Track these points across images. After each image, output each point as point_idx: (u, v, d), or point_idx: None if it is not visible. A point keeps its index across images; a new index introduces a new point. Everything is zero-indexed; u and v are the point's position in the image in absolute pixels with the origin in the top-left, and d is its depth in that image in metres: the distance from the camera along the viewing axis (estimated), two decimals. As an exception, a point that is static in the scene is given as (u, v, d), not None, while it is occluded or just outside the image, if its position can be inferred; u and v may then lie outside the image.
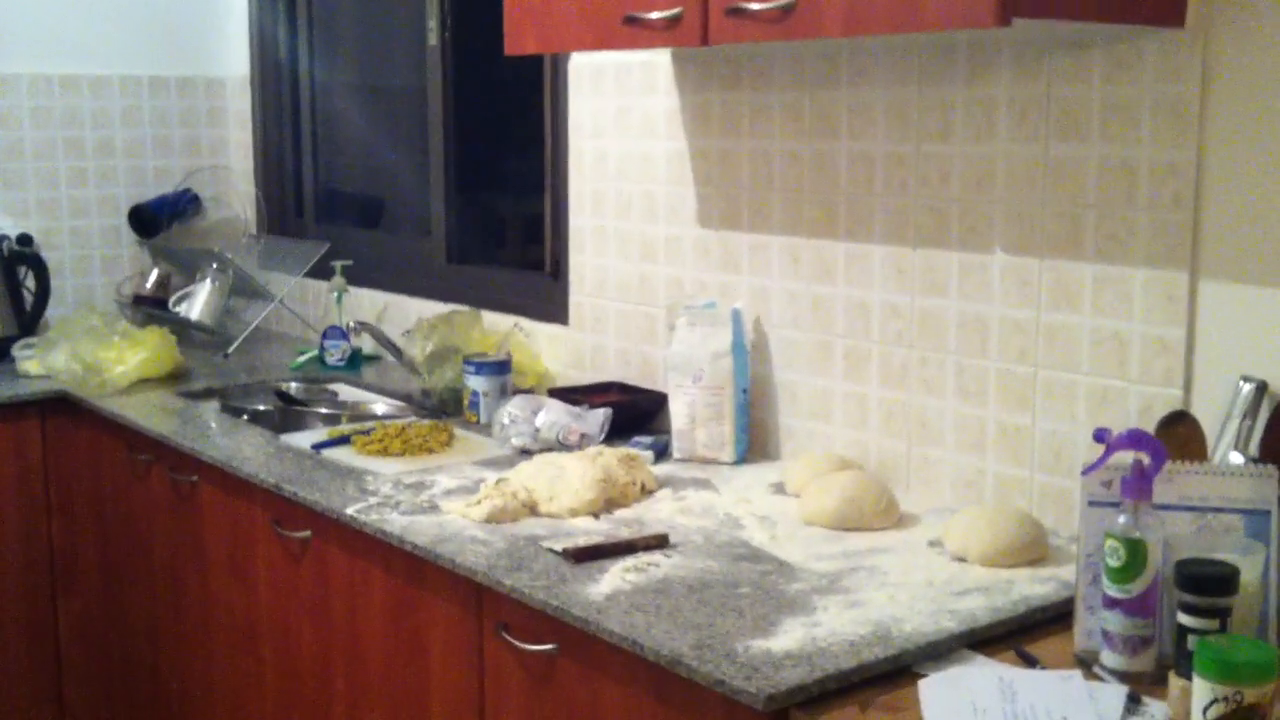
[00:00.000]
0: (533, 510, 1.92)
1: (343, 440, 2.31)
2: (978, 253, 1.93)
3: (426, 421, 2.41)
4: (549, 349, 2.71)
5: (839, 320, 2.14)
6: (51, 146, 3.45)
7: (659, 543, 1.77)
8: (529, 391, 2.52)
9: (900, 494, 1.97)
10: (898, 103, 2.01)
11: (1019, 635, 1.54)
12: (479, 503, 1.90)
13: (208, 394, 2.84)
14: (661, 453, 2.25)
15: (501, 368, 2.50)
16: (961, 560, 1.72)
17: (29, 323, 3.20)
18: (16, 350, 3.02)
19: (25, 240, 3.27)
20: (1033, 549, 1.71)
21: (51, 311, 3.27)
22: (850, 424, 2.13)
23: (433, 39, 3.05)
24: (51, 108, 3.44)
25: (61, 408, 2.86)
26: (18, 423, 2.86)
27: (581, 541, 1.77)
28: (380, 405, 2.76)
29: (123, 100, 3.54)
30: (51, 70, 3.43)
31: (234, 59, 3.66)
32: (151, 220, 3.51)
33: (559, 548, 1.75)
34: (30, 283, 3.25)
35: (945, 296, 1.98)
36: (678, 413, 2.24)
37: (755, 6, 1.73)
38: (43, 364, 2.94)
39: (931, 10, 1.53)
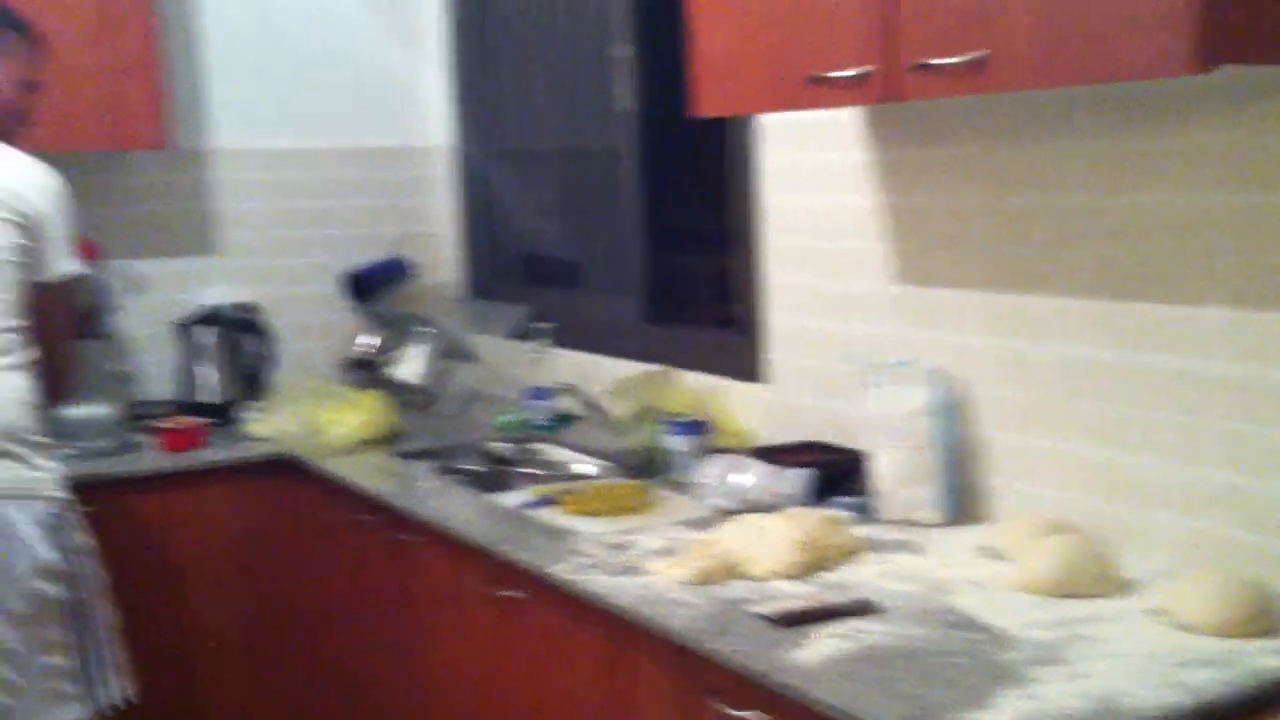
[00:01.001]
0: (736, 573, 1.92)
1: (549, 500, 2.36)
2: (1192, 306, 1.85)
3: (628, 481, 2.45)
4: (746, 407, 2.71)
5: (1044, 377, 2.08)
6: (274, 217, 3.66)
7: (866, 608, 1.76)
8: (727, 451, 2.53)
9: (1117, 558, 1.90)
10: (1098, 153, 1.96)
11: (1253, 712, 1.46)
12: (683, 564, 1.92)
13: (421, 454, 2.95)
14: (863, 514, 2.23)
15: (700, 427, 2.53)
16: (1187, 630, 1.64)
17: (254, 387, 3.39)
18: (243, 414, 3.20)
19: (251, 308, 3.47)
20: (1264, 619, 1.62)
21: (274, 377, 3.44)
22: (1061, 485, 2.07)
23: (623, 104, 3.12)
24: (273, 180, 3.65)
25: (285, 468, 3.00)
26: (244, 483, 3.03)
27: (787, 605, 1.77)
28: (583, 465, 2.82)
29: (338, 171, 3.73)
30: (274, 145, 3.65)
31: (437, 129, 3.82)
32: (365, 286, 3.68)
33: (765, 611, 1.75)
34: (255, 348, 3.43)
35: (1158, 351, 1.90)
36: (879, 473, 2.22)
37: (945, 61, 1.71)
38: (267, 426, 3.10)
39: (1127, 60, 1.50)
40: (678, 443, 2.51)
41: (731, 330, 2.83)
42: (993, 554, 1.99)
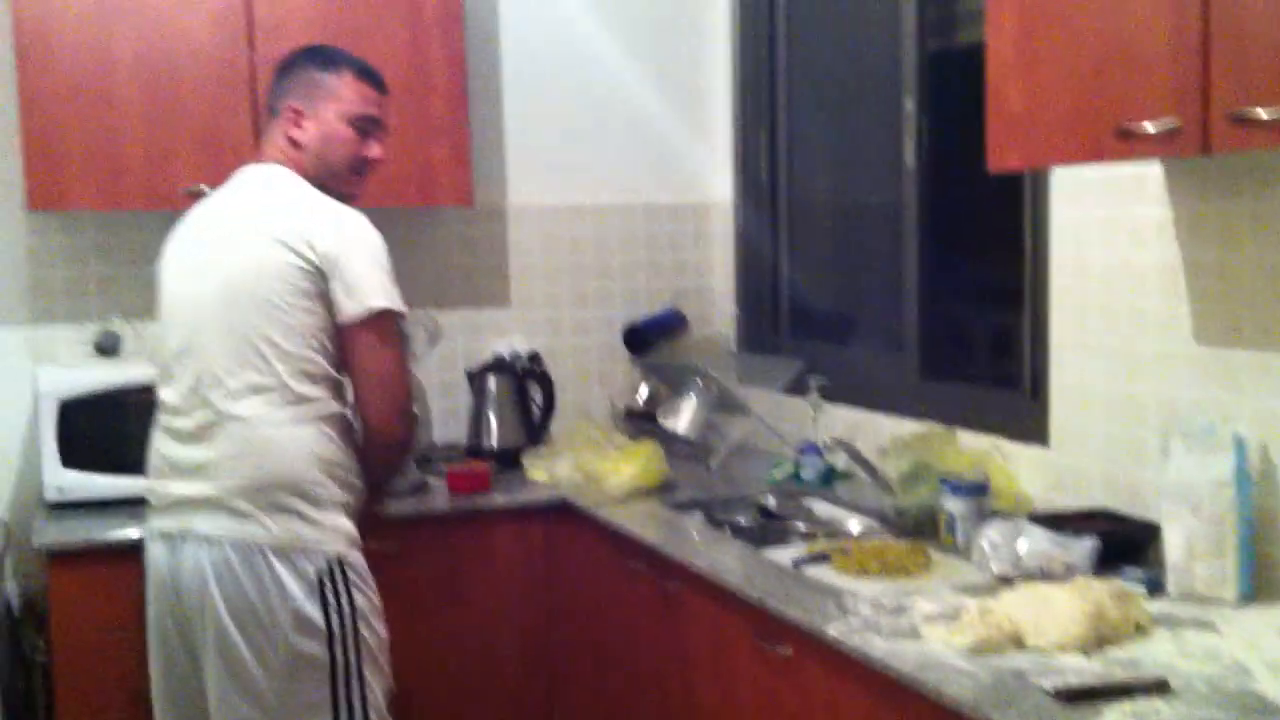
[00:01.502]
0: (1017, 642, 1.85)
1: (821, 558, 2.34)
2: None
3: (903, 542, 2.40)
4: (1026, 470, 2.62)
5: (1367, 448, 1.92)
6: (557, 271, 3.81)
7: (1160, 687, 1.65)
8: (1006, 515, 2.45)
9: None
10: None
11: None
12: (963, 630, 1.86)
13: (692, 505, 2.98)
14: (1155, 588, 2.10)
15: (979, 489, 2.45)
16: None
17: (536, 433, 3.51)
18: (526, 459, 3.33)
19: (535, 358, 3.61)
20: None
21: (555, 424, 3.57)
22: (1384, 566, 1.90)
23: (910, 159, 3.09)
24: (559, 235, 3.81)
25: (563, 514, 3.09)
26: (525, 526, 3.13)
27: (1073, 680, 1.69)
28: (854, 522, 2.78)
29: (620, 227, 3.85)
30: (564, 201, 3.81)
31: (719, 185, 3.90)
32: (642, 338, 3.77)
33: (1051, 685, 1.67)
34: (538, 396, 3.57)
35: None
36: (1173, 545, 2.09)
37: (1263, 113, 1.62)
38: (548, 473, 3.21)
39: None
40: (955, 504, 2.45)
41: (1013, 389, 2.75)
42: (1302, 638, 1.84)
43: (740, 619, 2.31)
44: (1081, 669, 1.76)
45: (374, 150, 2.45)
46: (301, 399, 2.25)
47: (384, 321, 2.29)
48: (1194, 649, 1.82)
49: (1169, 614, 1.99)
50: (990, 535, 2.24)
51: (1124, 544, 2.24)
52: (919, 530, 2.56)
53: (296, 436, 2.25)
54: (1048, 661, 1.79)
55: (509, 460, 3.36)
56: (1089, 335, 2.47)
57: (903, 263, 3.14)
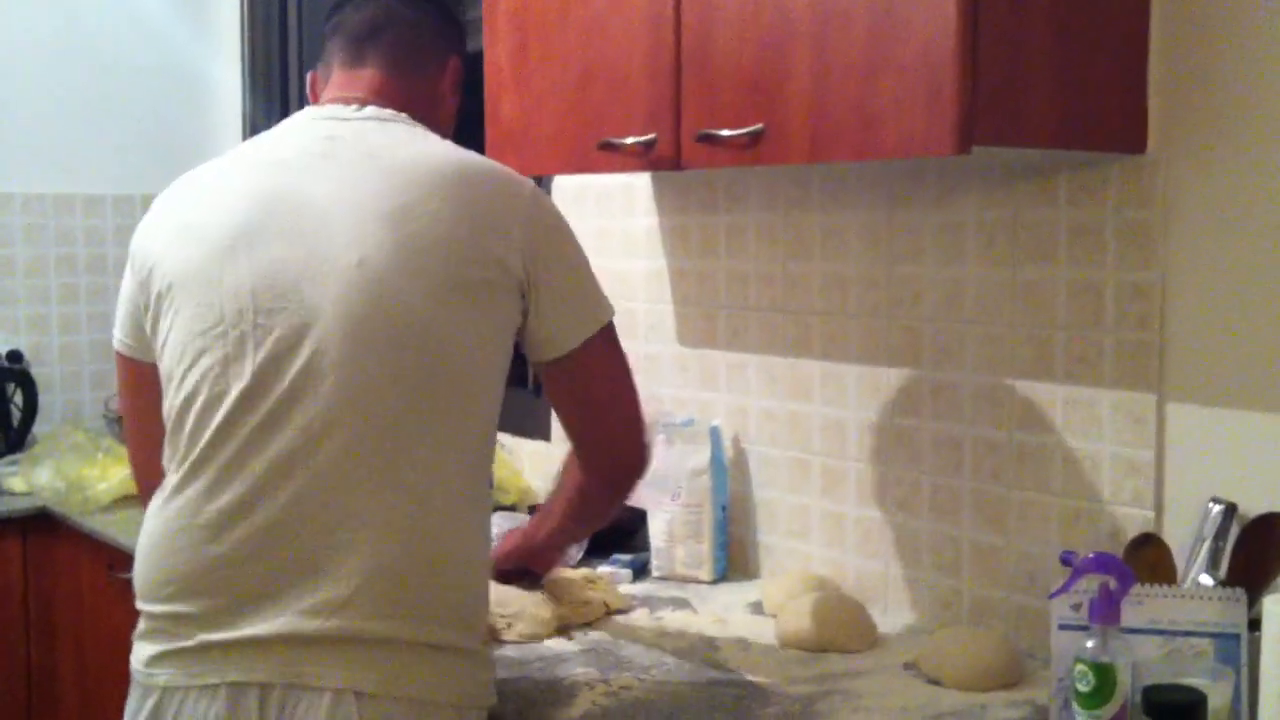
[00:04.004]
0: (496, 638, 1.85)
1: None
2: (950, 372, 1.95)
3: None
4: (531, 465, 2.71)
5: (815, 439, 2.15)
6: (44, 264, 3.50)
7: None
8: (511, 509, 2.52)
9: (877, 614, 1.96)
10: (869, 225, 2.05)
11: (993, 762, 1.52)
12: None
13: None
14: (640, 571, 2.24)
15: (482, 485, 2.50)
16: (936, 683, 1.70)
17: (15, 439, 3.21)
18: (2, 467, 3.02)
19: (15, 357, 3.29)
20: (1008, 672, 1.70)
21: (39, 428, 3.27)
22: (828, 542, 2.13)
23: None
24: (45, 225, 3.50)
25: (43, 525, 2.85)
26: (1, 539, 2.86)
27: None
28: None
29: (115, 219, 3.60)
30: (46, 189, 3.50)
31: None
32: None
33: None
34: (19, 399, 3.26)
35: (919, 416, 1.99)
36: (656, 530, 2.24)
37: (725, 133, 1.77)
38: (26, 481, 2.94)
39: (892, 138, 1.57)
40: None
41: (521, 389, 2.83)
42: (761, 610, 2.03)
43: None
44: (565, 652, 1.84)
45: None
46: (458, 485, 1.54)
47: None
48: (669, 626, 1.96)
49: (651, 594, 2.12)
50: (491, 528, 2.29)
51: (615, 531, 2.37)
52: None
53: (467, 542, 1.57)
54: (535, 649, 1.85)
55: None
56: (586, 336, 2.59)
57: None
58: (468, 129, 2.42)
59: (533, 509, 2.46)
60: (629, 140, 1.91)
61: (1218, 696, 1.35)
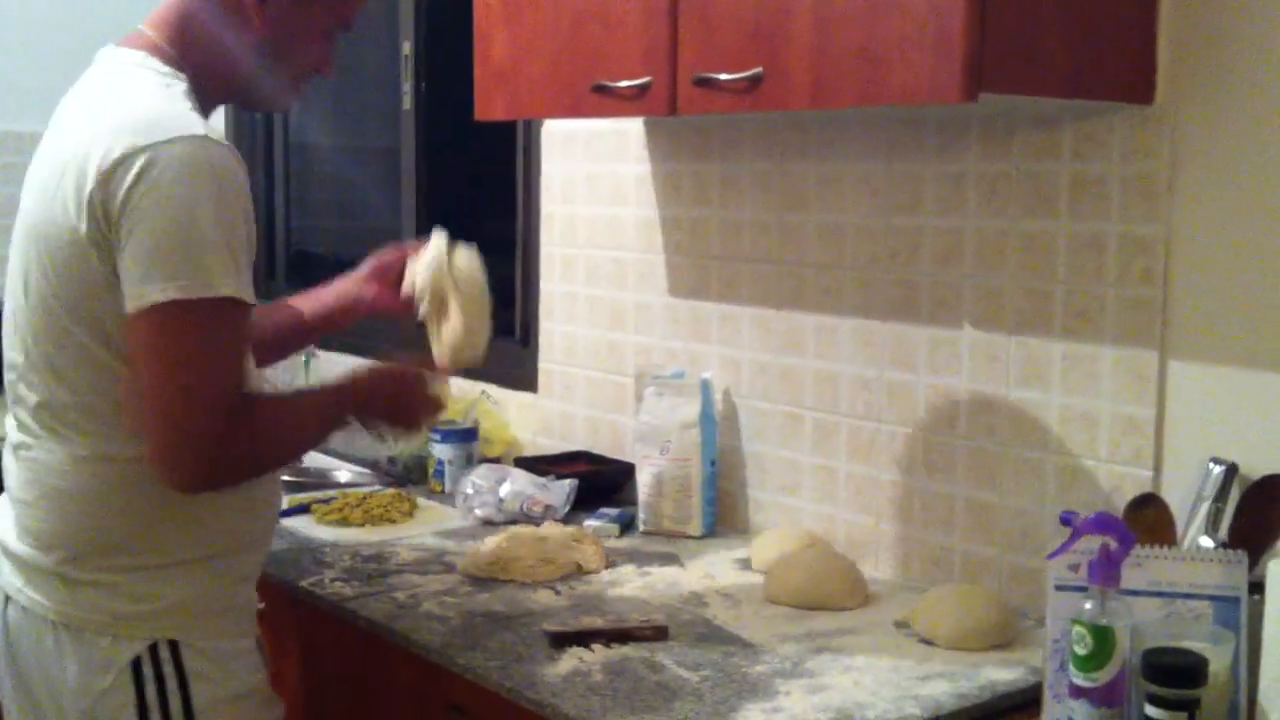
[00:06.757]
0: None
1: (301, 509, 2.26)
2: (946, 327, 1.91)
3: (389, 491, 2.37)
4: (518, 417, 2.67)
5: (808, 392, 2.11)
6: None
7: (658, 633, 1.68)
8: (496, 460, 2.48)
9: (868, 571, 1.93)
10: (867, 175, 2.00)
11: (984, 722, 1.50)
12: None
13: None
14: (627, 525, 2.21)
15: (468, 435, 2.47)
16: (928, 642, 1.68)
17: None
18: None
19: None
20: (1001, 632, 1.67)
21: None
22: (819, 498, 2.10)
23: (407, 103, 3.04)
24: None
25: None
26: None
27: (570, 625, 1.70)
28: (344, 472, 2.71)
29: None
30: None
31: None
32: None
33: (543, 628, 1.69)
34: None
35: (914, 371, 1.95)
36: (644, 484, 2.20)
37: (723, 77, 1.71)
38: None
39: (898, 84, 1.52)
40: (443, 451, 2.44)
41: (508, 338, 2.78)
42: (750, 566, 1.99)
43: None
44: (552, 605, 1.80)
45: None
46: (69, 426, 1.59)
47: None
48: (657, 582, 1.92)
49: (638, 549, 2.09)
50: (474, 480, 2.25)
51: (603, 485, 2.34)
52: (410, 478, 2.54)
53: (82, 483, 1.60)
54: (522, 603, 1.82)
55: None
56: (576, 286, 2.54)
57: (401, 207, 3.10)
58: (456, 69, 2.37)
59: (518, 461, 2.43)
60: (623, 83, 1.85)
61: (1218, 660, 1.33)
